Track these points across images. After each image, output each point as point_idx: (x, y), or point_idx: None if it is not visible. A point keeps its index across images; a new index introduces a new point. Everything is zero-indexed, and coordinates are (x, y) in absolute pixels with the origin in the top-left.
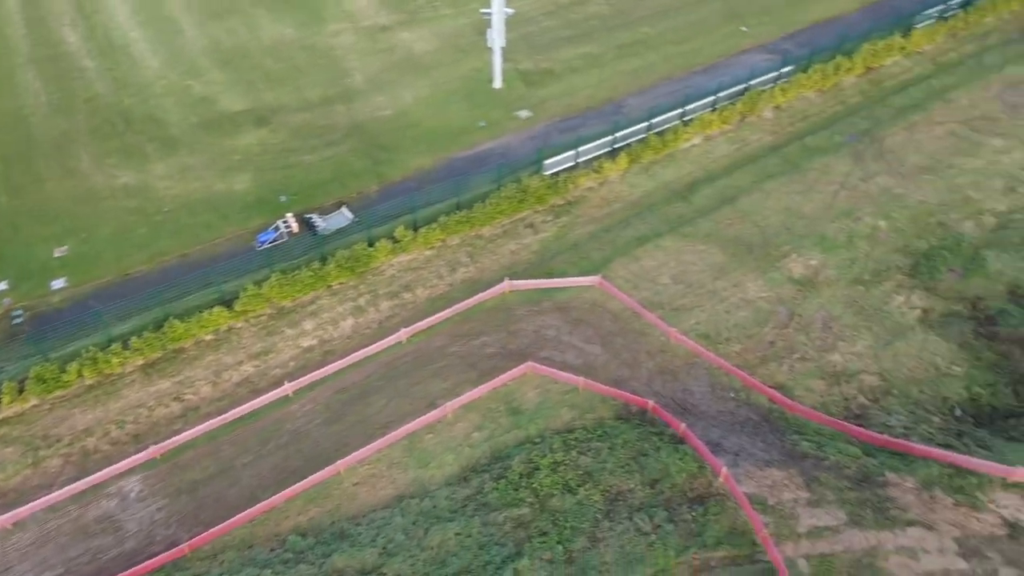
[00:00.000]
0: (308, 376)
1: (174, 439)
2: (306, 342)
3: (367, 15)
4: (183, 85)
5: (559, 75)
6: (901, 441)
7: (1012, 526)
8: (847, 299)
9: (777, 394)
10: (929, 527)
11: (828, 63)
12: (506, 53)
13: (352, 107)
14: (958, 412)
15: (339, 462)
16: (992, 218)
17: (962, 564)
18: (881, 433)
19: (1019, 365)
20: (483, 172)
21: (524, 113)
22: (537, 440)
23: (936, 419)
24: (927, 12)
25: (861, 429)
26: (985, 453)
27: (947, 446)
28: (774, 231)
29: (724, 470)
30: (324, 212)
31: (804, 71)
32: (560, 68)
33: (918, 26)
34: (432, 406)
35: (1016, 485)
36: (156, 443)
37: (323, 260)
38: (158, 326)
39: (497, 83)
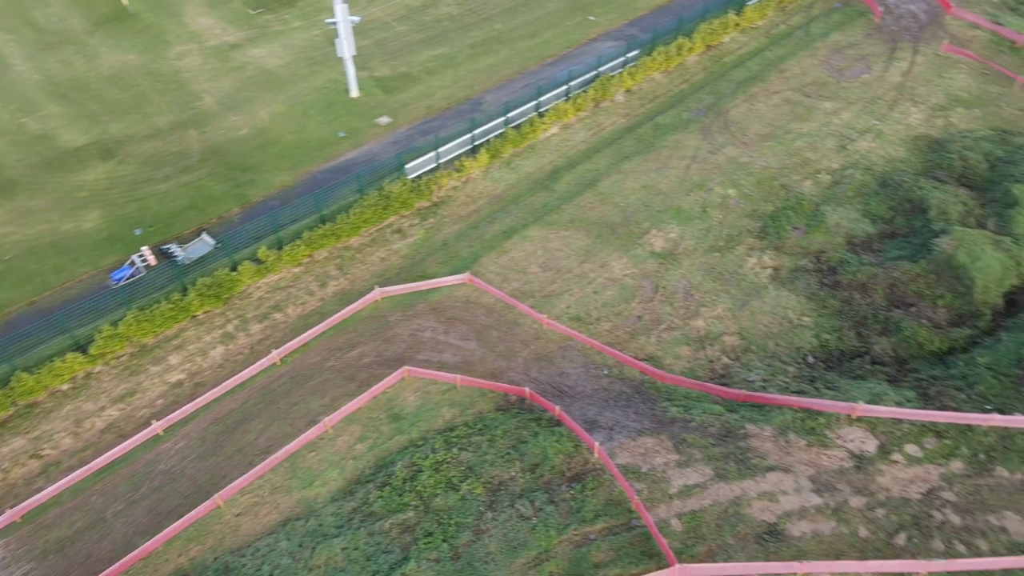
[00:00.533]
0: (179, 411)
1: (34, 498)
2: (174, 377)
3: (213, 34)
4: (16, 124)
5: (417, 78)
6: (759, 394)
7: (858, 457)
8: (705, 266)
9: (647, 366)
10: (786, 470)
11: (670, 45)
12: (361, 61)
13: (205, 130)
14: (810, 359)
15: (217, 495)
16: (828, 176)
17: (816, 499)
18: (742, 389)
19: (860, 309)
20: (346, 183)
21: (384, 119)
22: (420, 442)
23: (791, 368)
24: None
25: (724, 388)
26: (832, 394)
27: (800, 392)
28: (634, 209)
29: (597, 446)
30: (183, 241)
31: (649, 54)
32: (417, 71)
33: (750, 3)
34: (312, 424)
35: (860, 419)
36: (13, 506)
37: (184, 290)
38: (4, 382)
39: (354, 92)
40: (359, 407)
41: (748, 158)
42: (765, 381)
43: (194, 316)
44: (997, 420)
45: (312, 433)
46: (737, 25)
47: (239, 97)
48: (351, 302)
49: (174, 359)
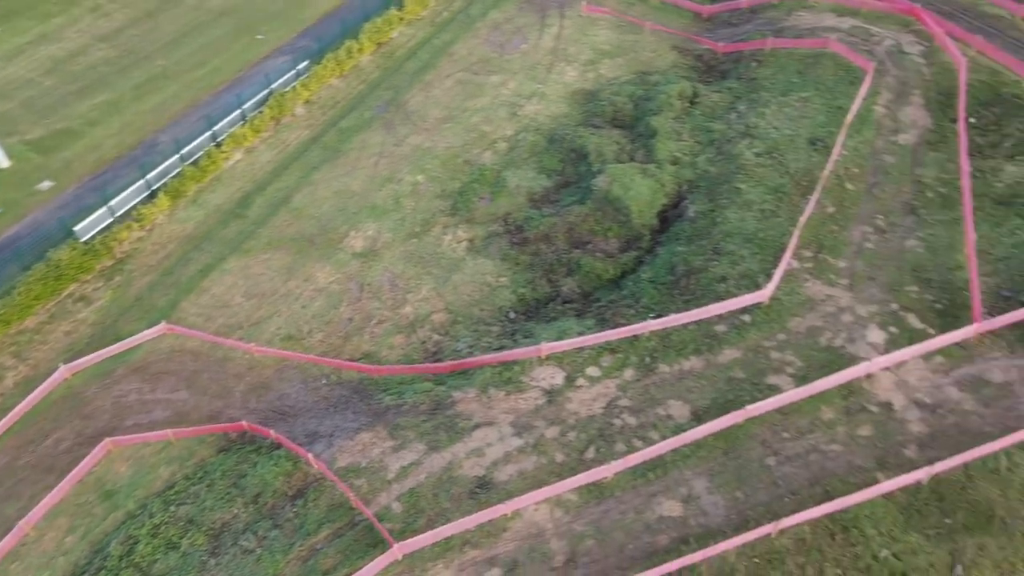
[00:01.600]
0: None
1: None
2: None
3: None
4: None
5: (78, 132)
6: (462, 361)
7: (549, 392)
8: (406, 254)
9: (361, 364)
10: (491, 423)
11: (339, 49)
12: (7, 126)
13: None
14: (511, 315)
15: None
16: (504, 143)
17: (518, 441)
18: (449, 360)
19: (547, 257)
20: (4, 263)
21: (46, 184)
22: (137, 512)
23: (495, 328)
24: None
25: (431, 365)
26: (528, 341)
27: (500, 348)
28: (330, 217)
29: (311, 456)
30: None
31: (319, 63)
32: (78, 124)
33: None
34: (8, 532)
35: (548, 358)
36: None
37: None
38: None
39: (3, 163)
40: (61, 498)
41: (431, 143)
42: (471, 347)
43: None
44: (652, 325)
45: (9, 542)
46: (401, 19)
47: None
48: (34, 389)
49: None
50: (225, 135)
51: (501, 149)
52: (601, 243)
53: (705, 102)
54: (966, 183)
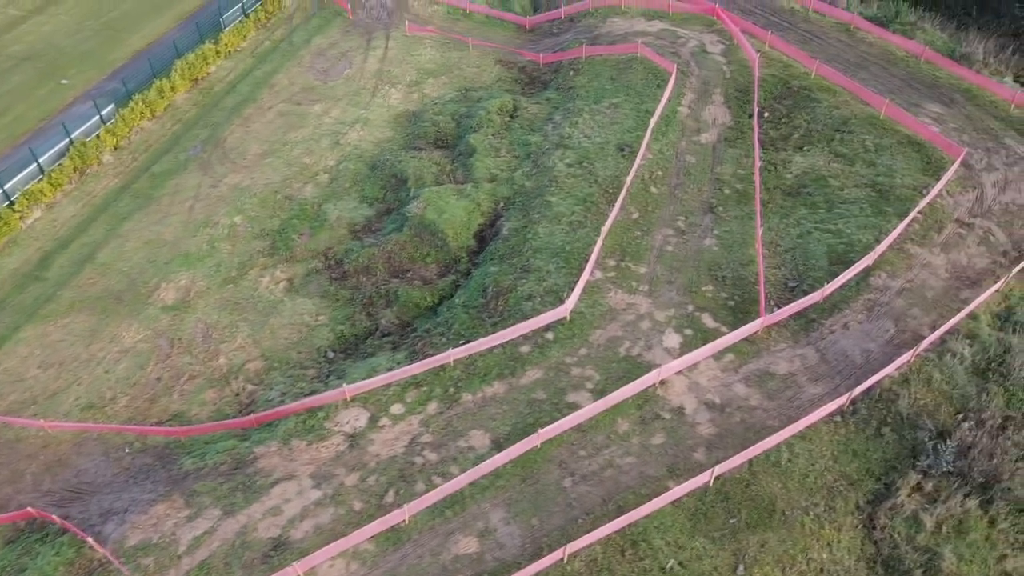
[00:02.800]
0: None
1: None
2: None
3: None
4: None
5: None
6: (266, 413)
7: (351, 436)
8: (221, 302)
9: (166, 428)
10: (290, 477)
11: (149, 90)
12: None
13: None
14: (330, 355)
15: None
16: (325, 175)
17: (317, 494)
18: (257, 412)
19: (366, 289)
20: None
21: None
22: None
23: (311, 371)
24: (229, 14)
25: (237, 420)
26: (338, 383)
27: (312, 392)
28: (139, 270)
29: (90, 540)
30: None
31: (126, 106)
32: None
33: (226, 28)
34: None
35: (354, 399)
36: None
37: None
38: None
39: None
40: None
41: (250, 180)
42: (284, 394)
43: None
44: (456, 354)
45: None
46: (219, 53)
47: None
48: None
49: None
50: (18, 193)
51: (323, 181)
52: (420, 270)
53: (524, 115)
54: (758, 177)
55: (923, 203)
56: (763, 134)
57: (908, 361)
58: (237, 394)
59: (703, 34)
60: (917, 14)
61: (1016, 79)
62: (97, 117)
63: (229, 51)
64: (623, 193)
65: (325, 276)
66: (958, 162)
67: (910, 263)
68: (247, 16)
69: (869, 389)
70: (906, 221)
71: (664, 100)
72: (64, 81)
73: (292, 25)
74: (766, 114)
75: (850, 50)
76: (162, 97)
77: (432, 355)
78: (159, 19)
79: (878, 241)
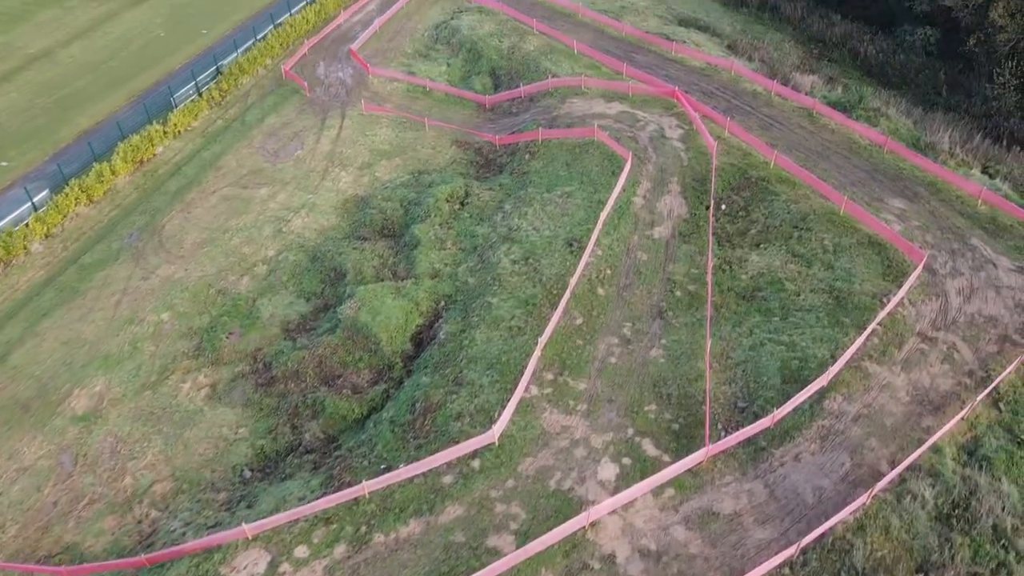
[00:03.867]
0: None
1: None
2: None
3: None
4: None
5: None
6: (159, 553)
7: None
8: (136, 412)
9: (50, 568)
10: None
11: (88, 173)
12: None
13: None
14: (247, 475)
15: None
16: (264, 266)
17: None
18: (164, 546)
19: (293, 398)
20: None
21: None
22: None
23: (223, 495)
24: (181, 92)
25: (125, 561)
26: (245, 513)
27: (216, 525)
28: (53, 374)
29: None
30: None
31: (62, 191)
32: None
33: (178, 107)
34: None
35: (256, 539)
36: None
37: None
38: None
39: None
40: None
41: (184, 272)
42: (187, 525)
43: None
44: (372, 485)
45: None
46: (167, 133)
47: None
48: None
49: None
50: None
51: (260, 273)
52: (352, 376)
53: (476, 202)
54: (710, 280)
55: (882, 314)
56: (719, 228)
57: (864, 504)
58: (139, 522)
59: (663, 117)
60: (882, 99)
61: (984, 170)
62: (29, 204)
63: (179, 131)
64: (566, 295)
65: (251, 381)
66: (920, 268)
67: (868, 384)
68: (200, 95)
69: (821, 536)
70: (864, 335)
71: (617, 190)
72: (3, 163)
73: (247, 103)
74: (723, 207)
75: (812, 137)
76: (101, 181)
77: (348, 483)
78: (112, 96)
79: (834, 357)
